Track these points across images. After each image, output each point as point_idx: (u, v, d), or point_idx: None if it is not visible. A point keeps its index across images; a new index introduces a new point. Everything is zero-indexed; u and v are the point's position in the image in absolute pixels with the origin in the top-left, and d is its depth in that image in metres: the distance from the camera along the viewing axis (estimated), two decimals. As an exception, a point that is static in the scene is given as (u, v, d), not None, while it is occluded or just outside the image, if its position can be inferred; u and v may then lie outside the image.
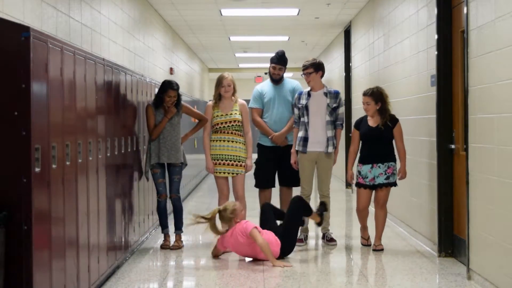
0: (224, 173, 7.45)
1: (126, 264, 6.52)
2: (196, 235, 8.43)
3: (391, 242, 7.57)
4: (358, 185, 7.21)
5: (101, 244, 5.58)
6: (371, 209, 7.31)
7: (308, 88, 7.46)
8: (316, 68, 7.37)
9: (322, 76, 7.43)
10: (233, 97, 7.48)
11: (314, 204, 7.95)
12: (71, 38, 6.50)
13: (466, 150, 5.96)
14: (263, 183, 7.81)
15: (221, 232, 6.82)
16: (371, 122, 7.16)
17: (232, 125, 7.42)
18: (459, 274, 6.07)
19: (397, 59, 8.74)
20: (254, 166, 7.65)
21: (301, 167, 7.42)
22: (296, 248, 6.93)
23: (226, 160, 7.42)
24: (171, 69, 13.70)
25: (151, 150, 7.20)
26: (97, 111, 5.50)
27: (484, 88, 5.56)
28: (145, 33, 10.73)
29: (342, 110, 7.45)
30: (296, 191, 7.80)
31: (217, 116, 7.44)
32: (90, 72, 5.28)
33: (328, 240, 7.45)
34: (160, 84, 7.42)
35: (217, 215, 6.83)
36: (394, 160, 7.10)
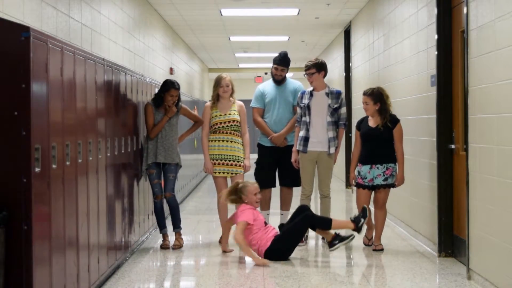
0: (223, 173, 7.45)
1: (126, 264, 6.52)
2: (196, 235, 8.44)
3: (391, 242, 7.57)
4: (357, 185, 7.21)
5: (101, 244, 5.58)
6: (371, 209, 7.31)
7: (311, 88, 7.46)
8: (318, 68, 7.36)
9: (324, 76, 7.43)
10: (231, 98, 7.49)
11: (314, 203, 7.97)
12: (71, 38, 6.50)
13: (466, 150, 5.96)
14: (264, 183, 7.80)
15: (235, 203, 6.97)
16: (371, 123, 7.15)
17: (231, 125, 7.42)
18: (459, 274, 6.07)
19: (397, 59, 8.74)
20: (252, 167, 7.64)
21: (301, 167, 7.42)
22: (296, 248, 6.91)
23: (225, 160, 7.43)
24: (171, 69, 13.71)
25: (149, 149, 7.20)
26: (97, 111, 5.50)
27: (484, 88, 5.56)
28: (145, 33, 10.73)
29: (344, 110, 7.45)
30: (296, 191, 7.80)
31: (216, 116, 7.44)
32: (90, 72, 5.28)
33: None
34: (160, 84, 7.42)
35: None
36: (394, 162, 7.09)
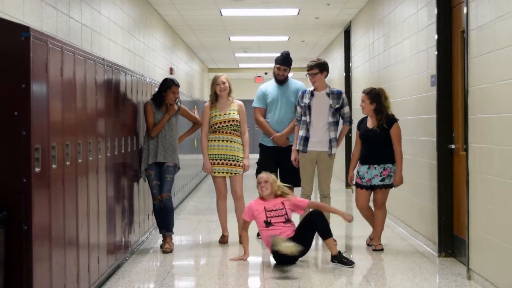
0: (222, 172, 7.45)
1: (126, 264, 6.52)
2: (196, 235, 8.44)
3: (391, 242, 7.57)
4: (356, 184, 7.22)
5: (101, 244, 5.58)
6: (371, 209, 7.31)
7: (312, 88, 7.46)
8: (321, 68, 7.36)
9: (326, 76, 7.44)
10: (229, 97, 7.49)
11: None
12: (71, 38, 6.50)
13: (466, 150, 5.96)
14: None
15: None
16: (369, 123, 7.15)
17: (230, 125, 7.42)
18: (459, 274, 6.07)
19: (397, 59, 8.74)
20: (251, 166, 7.63)
21: (301, 167, 7.42)
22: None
23: (224, 160, 7.43)
24: (171, 69, 13.71)
25: (150, 149, 7.14)
26: (97, 111, 5.50)
27: (484, 88, 5.56)
28: (145, 33, 10.73)
29: (347, 109, 7.45)
30: (296, 191, 7.79)
31: (215, 116, 7.44)
32: (90, 72, 5.27)
33: (328, 240, 7.44)
34: (160, 84, 7.38)
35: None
36: (392, 162, 7.07)
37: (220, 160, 7.44)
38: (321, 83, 7.39)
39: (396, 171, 7.04)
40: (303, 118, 7.39)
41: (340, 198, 11.56)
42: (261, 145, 7.94)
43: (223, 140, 7.44)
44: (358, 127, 7.30)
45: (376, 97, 7.08)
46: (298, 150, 7.45)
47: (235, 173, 7.47)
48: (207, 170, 7.52)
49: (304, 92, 7.50)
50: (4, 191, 3.98)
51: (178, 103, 7.30)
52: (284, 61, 7.85)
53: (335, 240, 6.54)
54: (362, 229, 7.83)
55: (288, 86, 7.87)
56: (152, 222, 8.06)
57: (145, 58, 10.74)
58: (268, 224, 6.57)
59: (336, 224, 8.35)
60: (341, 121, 7.54)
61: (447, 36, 6.75)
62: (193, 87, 18.46)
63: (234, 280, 6.09)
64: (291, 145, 7.66)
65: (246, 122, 7.57)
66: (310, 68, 7.37)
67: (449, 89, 6.76)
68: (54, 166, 4.34)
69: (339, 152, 7.54)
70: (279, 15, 12.58)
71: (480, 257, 5.69)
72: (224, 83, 7.44)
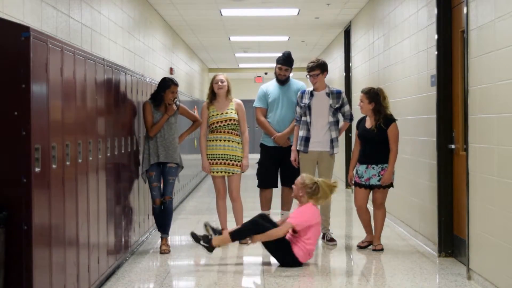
0: (220, 172, 7.45)
1: (126, 264, 6.52)
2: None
3: (391, 242, 7.57)
4: (355, 183, 7.22)
5: (101, 244, 5.58)
6: (370, 209, 7.30)
7: (311, 88, 7.46)
8: (322, 69, 7.37)
9: (326, 75, 7.45)
10: (228, 96, 7.48)
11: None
12: (71, 38, 6.50)
13: (466, 150, 5.96)
14: (266, 183, 7.81)
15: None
16: (368, 123, 7.15)
17: (228, 124, 7.42)
18: (459, 274, 6.07)
19: (397, 59, 8.74)
20: (250, 166, 7.63)
21: (302, 167, 7.42)
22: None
23: (223, 160, 7.43)
24: (171, 69, 13.70)
25: (150, 149, 7.08)
26: (97, 111, 5.50)
27: (484, 88, 5.56)
28: (145, 33, 10.73)
29: (347, 107, 7.47)
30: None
31: (213, 115, 7.44)
32: (90, 72, 5.27)
33: (328, 240, 7.45)
34: (158, 83, 7.35)
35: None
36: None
37: (219, 159, 7.44)
38: (321, 83, 7.40)
39: (387, 169, 7.02)
40: (303, 118, 7.39)
41: (340, 198, 11.57)
42: (262, 145, 7.93)
43: (221, 140, 7.44)
44: (357, 127, 7.31)
45: (374, 96, 7.08)
46: (298, 150, 7.45)
47: (234, 173, 7.46)
48: (205, 170, 7.52)
49: (303, 92, 7.50)
50: (4, 191, 3.98)
51: (177, 102, 7.27)
52: (286, 61, 7.85)
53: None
54: (362, 229, 7.83)
55: (290, 86, 7.87)
56: (152, 222, 8.06)
57: (145, 58, 10.74)
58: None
59: (336, 224, 8.36)
60: (341, 119, 7.54)
61: (447, 36, 6.75)
62: (193, 87, 18.46)
63: (234, 280, 6.09)
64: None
65: (245, 121, 7.56)
66: (311, 69, 7.36)
67: (449, 89, 6.76)
68: (54, 166, 4.34)
69: (339, 152, 7.53)
70: (279, 15, 12.58)
71: (480, 257, 5.69)
72: (222, 81, 7.43)
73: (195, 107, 13.32)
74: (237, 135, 7.49)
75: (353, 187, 7.38)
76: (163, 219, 7.17)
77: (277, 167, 7.83)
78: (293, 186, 6.62)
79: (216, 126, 7.43)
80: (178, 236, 8.13)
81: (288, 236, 6.44)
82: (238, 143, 7.49)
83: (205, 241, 6.53)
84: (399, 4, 8.60)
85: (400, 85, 8.59)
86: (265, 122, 7.81)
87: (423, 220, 7.48)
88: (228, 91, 7.49)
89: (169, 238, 7.22)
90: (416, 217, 7.81)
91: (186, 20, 13.06)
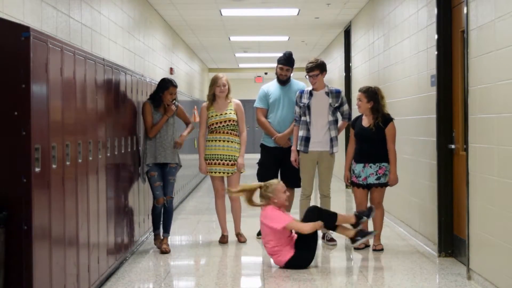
0: (219, 172, 7.45)
1: (126, 264, 6.52)
2: (196, 235, 8.44)
3: (391, 242, 7.57)
4: (352, 183, 7.21)
5: (101, 244, 5.58)
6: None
7: (310, 87, 7.46)
8: (321, 69, 7.38)
9: (324, 75, 7.46)
10: (227, 97, 7.49)
11: (313, 203, 7.95)
12: (71, 38, 6.50)
13: (466, 150, 5.96)
14: None
15: (256, 204, 6.60)
16: (365, 122, 7.15)
17: (227, 125, 7.42)
18: (459, 274, 6.07)
19: (397, 59, 8.74)
20: (250, 166, 7.63)
21: (302, 167, 7.42)
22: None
23: (221, 160, 7.43)
24: (171, 69, 13.70)
25: (147, 150, 7.08)
26: (97, 111, 5.50)
27: (484, 88, 5.56)
28: (145, 33, 10.73)
29: (346, 107, 7.47)
30: (297, 192, 7.80)
31: (212, 116, 7.45)
32: (90, 72, 5.27)
33: (328, 240, 7.45)
34: (157, 83, 7.35)
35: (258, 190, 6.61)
36: (387, 161, 7.07)
37: (217, 160, 7.44)
38: (321, 83, 7.40)
39: (390, 171, 7.03)
40: (303, 118, 7.39)
41: (340, 198, 11.57)
42: (262, 145, 7.93)
43: (220, 140, 7.44)
44: (353, 126, 7.28)
45: (373, 95, 7.09)
46: (298, 151, 7.44)
47: (232, 173, 7.47)
48: (202, 171, 7.52)
49: (302, 92, 7.50)
50: (4, 191, 3.98)
51: (176, 103, 7.27)
52: (287, 61, 7.85)
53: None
54: (362, 229, 7.82)
55: (291, 87, 7.87)
56: (152, 222, 8.06)
57: (145, 58, 10.74)
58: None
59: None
60: (339, 118, 7.55)
61: (447, 36, 6.75)
62: (193, 87, 18.46)
63: (234, 280, 6.09)
64: (293, 146, 7.66)
65: (244, 122, 7.57)
66: (310, 69, 7.36)
67: (449, 89, 6.76)
68: (54, 166, 4.34)
69: (339, 151, 7.53)
70: (279, 15, 12.58)
71: (480, 257, 5.69)
72: (224, 85, 7.44)
73: (195, 107, 13.32)
74: (236, 135, 7.50)
75: (351, 187, 7.38)
76: (165, 218, 7.18)
77: (278, 167, 7.82)
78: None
79: (215, 127, 7.44)
80: (178, 236, 8.13)
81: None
82: (238, 143, 7.50)
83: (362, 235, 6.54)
84: (399, 4, 8.60)
85: (400, 85, 8.59)
86: (266, 122, 7.80)
87: (423, 220, 7.48)
88: (228, 92, 7.50)
89: (169, 238, 7.22)
90: (416, 217, 7.81)
91: (186, 20, 13.06)
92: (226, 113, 7.45)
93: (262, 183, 6.64)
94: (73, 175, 4.80)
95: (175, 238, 7.67)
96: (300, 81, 8.09)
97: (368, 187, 7.11)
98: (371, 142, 7.06)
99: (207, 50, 18.43)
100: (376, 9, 10.29)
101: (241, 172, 7.56)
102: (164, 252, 7.02)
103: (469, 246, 5.87)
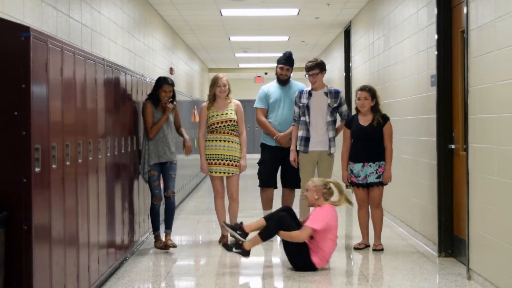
0: (219, 172, 7.45)
1: (126, 264, 6.52)
2: (196, 235, 8.44)
3: (391, 242, 7.57)
4: (352, 183, 7.21)
5: (101, 244, 5.58)
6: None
7: (309, 87, 7.46)
8: (321, 68, 7.38)
9: (324, 74, 7.46)
10: (228, 97, 7.49)
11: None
12: (71, 38, 6.50)
13: (466, 150, 5.96)
14: (267, 182, 7.80)
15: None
16: (362, 121, 7.15)
17: (228, 125, 7.43)
18: (459, 274, 6.07)
19: (397, 59, 8.74)
20: (250, 166, 7.62)
21: (301, 167, 7.41)
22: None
23: (221, 160, 7.43)
24: (171, 69, 13.70)
25: (150, 150, 7.08)
26: (97, 111, 5.50)
27: (484, 88, 5.56)
28: (145, 33, 10.73)
29: (345, 107, 7.46)
30: (297, 192, 7.80)
31: (213, 116, 7.44)
32: (90, 72, 5.27)
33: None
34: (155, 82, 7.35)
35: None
36: (385, 159, 7.09)
37: (218, 160, 7.44)
38: (320, 82, 7.40)
39: (385, 168, 7.05)
40: (302, 118, 7.38)
41: (340, 198, 11.55)
42: (263, 145, 7.92)
43: (220, 140, 7.44)
44: (348, 126, 7.24)
45: (375, 94, 7.13)
46: (298, 151, 7.44)
47: (232, 173, 7.46)
48: (203, 171, 7.52)
49: (301, 92, 7.49)
50: (4, 191, 3.98)
51: (174, 103, 7.28)
52: (287, 60, 7.86)
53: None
54: (362, 229, 7.82)
55: (291, 87, 7.87)
56: (152, 222, 8.06)
57: (145, 58, 10.74)
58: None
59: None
60: (338, 118, 7.54)
61: (447, 36, 6.75)
62: (193, 87, 18.46)
63: (234, 280, 6.09)
64: (294, 146, 7.65)
65: (243, 122, 7.57)
66: (310, 68, 7.36)
67: (449, 89, 6.76)
68: (54, 166, 4.34)
69: (339, 151, 7.52)
70: (279, 15, 12.58)
71: (480, 257, 5.69)
72: (225, 85, 7.44)
73: (195, 107, 13.32)
74: (236, 135, 7.50)
75: (351, 187, 7.38)
76: (166, 214, 7.21)
77: (278, 167, 7.82)
78: (305, 194, 6.47)
79: (216, 127, 7.44)
80: (178, 236, 8.13)
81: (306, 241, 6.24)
82: (238, 143, 7.49)
83: (237, 247, 6.31)
84: (399, 4, 8.60)
85: (400, 85, 8.59)
86: (266, 122, 7.80)
87: (423, 220, 7.48)
88: (228, 92, 7.51)
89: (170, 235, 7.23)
90: (416, 217, 7.81)
91: (186, 20, 13.06)
92: (226, 113, 7.45)
93: (331, 180, 6.48)
94: (73, 175, 4.80)
95: (175, 238, 7.65)
96: (300, 83, 8.08)
97: (367, 186, 7.11)
98: (372, 140, 7.06)
99: (207, 50, 18.43)
100: (376, 9, 10.29)
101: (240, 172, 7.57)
102: (171, 246, 7.05)
103: (469, 246, 5.87)
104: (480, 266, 5.69)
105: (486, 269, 5.56)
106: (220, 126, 7.42)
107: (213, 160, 7.44)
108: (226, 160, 7.43)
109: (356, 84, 12.38)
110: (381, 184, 7.09)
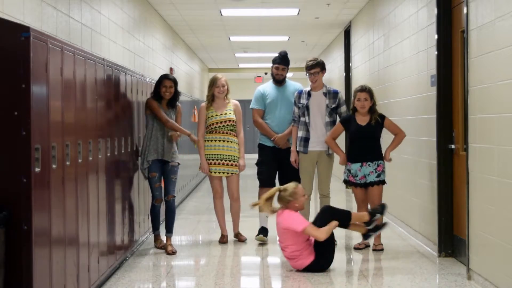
0: (219, 172, 7.45)
1: (126, 264, 6.52)
2: (196, 235, 8.44)
3: (391, 242, 7.57)
4: (350, 183, 7.20)
5: (101, 244, 5.58)
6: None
7: (308, 88, 7.46)
8: (321, 67, 7.39)
9: (324, 74, 7.47)
10: (226, 98, 7.50)
11: (313, 203, 7.96)
12: (71, 38, 6.50)
13: (466, 150, 5.96)
14: (265, 182, 7.78)
15: (275, 210, 6.41)
16: (360, 121, 7.14)
17: (227, 125, 7.43)
18: (459, 274, 6.07)
19: (397, 59, 8.74)
20: (250, 166, 7.62)
21: (301, 167, 7.41)
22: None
23: (221, 160, 7.43)
24: (171, 69, 13.71)
25: (150, 145, 7.04)
26: (97, 111, 5.50)
27: (484, 88, 5.56)
28: (145, 33, 10.73)
29: (344, 108, 7.45)
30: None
31: (212, 116, 7.45)
32: (90, 72, 5.28)
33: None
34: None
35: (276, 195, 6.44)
36: (382, 159, 7.10)
37: (217, 160, 7.44)
38: (320, 82, 7.40)
39: (387, 149, 7.08)
40: (302, 118, 7.38)
41: (340, 198, 11.56)
42: (261, 145, 7.90)
43: (219, 140, 7.45)
44: (344, 125, 7.20)
45: (373, 94, 7.15)
46: (298, 151, 7.44)
47: (232, 173, 7.47)
48: (204, 171, 7.51)
49: (300, 92, 7.48)
50: (4, 191, 3.99)
51: (178, 104, 7.29)
52: (283, 60, 7.83)
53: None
54: (362, 229, 7.82)
55: (287, 87, 7.84)
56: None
57: (145, 58, 10.74)
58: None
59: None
60: (337, 119, 7.54)
61: (447, 36, 6.75)
62: (193, 87, 18.46)
63: (234, 280, 6.09)
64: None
65: (241, 122, 7.58)
66: (311, 67, 7.36)
67: (449, 89, 6.76)
68: (54, 166, 4.34)
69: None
70: (279, 15, 12.58)
71: (480, 257, 5.70)
72: (223, 85, 7.45)
73: (195, 107, 13.32)
74: (235, 135, 7.51)
75: (350, 187, 7.38)
76: (167, 218, 7.18)
77: (276, 167, 7.79)
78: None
79: (215, 127, 7.44)
80: (178, 236, 8.13)
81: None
82: (237, 143, 7.51)
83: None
84: (399, 4, 8.60)
85: (400, 85, 8.59)
86: (263, 123, 7.78)
87: (423, 220, 7.48)
88: (227, 93, 7.52)
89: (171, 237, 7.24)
90: (416, 217, 7.81)
91: (186, 20, 13.07)
92: (226, 113, 7.45)
93: (281, 187, 6.49)
94: (73, 175, 4.80)
95: (175, 238, 7.66)
96: (296, 82, 8.07)
97: (365, 186, 7.11)
98: (371, 140, 7.07)
99: (207, 50, 18.43)
100: (376, 9, 10.29)
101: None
102: (171, 253, 6.97)
103: (469, 246, 5.88)
104: (480, 266, 5.69)
105: (486, 269, 5.56)
106: (219, 126, 7.43)
107: (213, 160, 7.45)
108: (226, 160, 7.44)
109: (356, 84, 12.38)
110: (381, 183, 7.09)
